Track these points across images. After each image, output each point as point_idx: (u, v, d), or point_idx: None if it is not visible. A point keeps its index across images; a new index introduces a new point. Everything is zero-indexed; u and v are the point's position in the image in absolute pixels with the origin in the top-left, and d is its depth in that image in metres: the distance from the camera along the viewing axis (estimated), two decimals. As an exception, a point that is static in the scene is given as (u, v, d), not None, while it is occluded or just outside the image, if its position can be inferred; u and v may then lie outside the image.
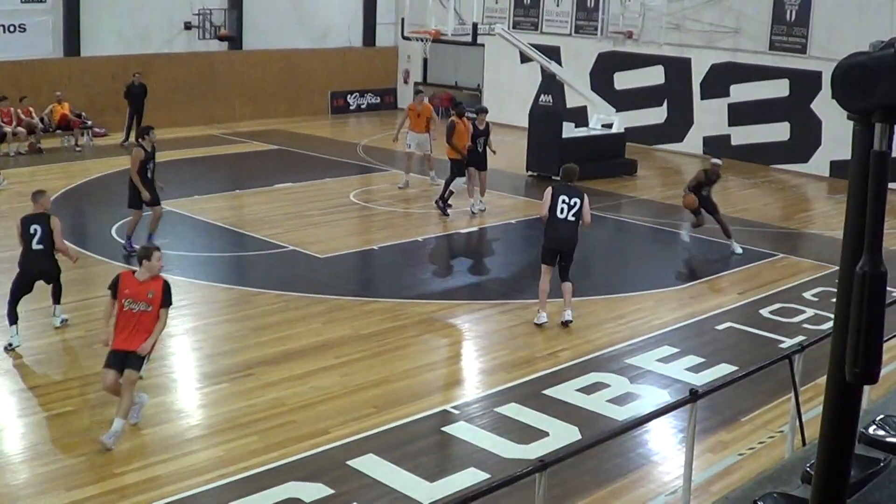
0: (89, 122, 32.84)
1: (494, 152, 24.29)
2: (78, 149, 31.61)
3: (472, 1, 28.99)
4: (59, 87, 32.65)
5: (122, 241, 19.74)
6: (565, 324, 16.08)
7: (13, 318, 14.87)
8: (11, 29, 32.88)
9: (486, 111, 24.16)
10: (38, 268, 15.40)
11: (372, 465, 11.20)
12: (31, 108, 31.17)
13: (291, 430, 12.11)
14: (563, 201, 15.87)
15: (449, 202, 23.44)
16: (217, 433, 12.10)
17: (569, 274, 16.18)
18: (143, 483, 10.77)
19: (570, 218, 15.91)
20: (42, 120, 31.77)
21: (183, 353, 15.01)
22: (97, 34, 34.94)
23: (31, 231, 15.27)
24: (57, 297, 15.88)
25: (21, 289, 15.24)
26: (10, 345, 14.70)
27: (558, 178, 17.04)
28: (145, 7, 35.94)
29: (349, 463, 11.26)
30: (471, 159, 23.43)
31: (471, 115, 23.83)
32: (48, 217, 15.47)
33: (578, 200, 15.92)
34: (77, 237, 20.70)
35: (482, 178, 23.78)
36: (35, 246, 15.29)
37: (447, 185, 23.60)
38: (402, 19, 30.98)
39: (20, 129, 30.69)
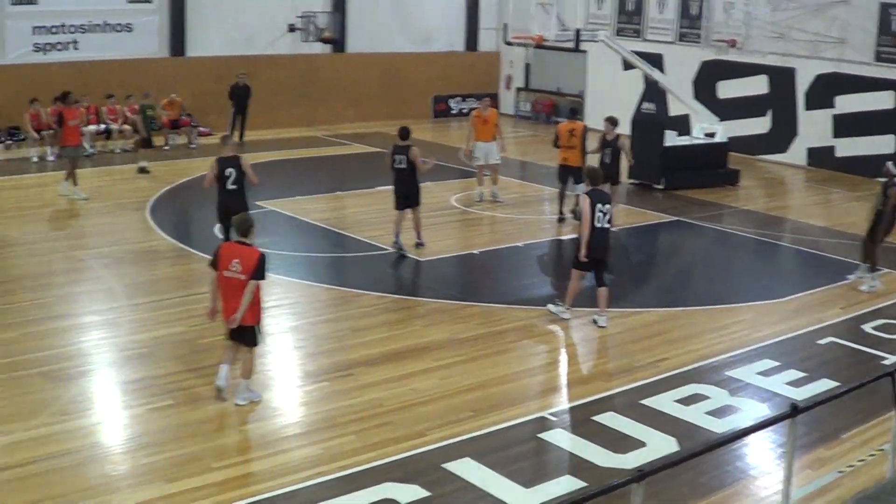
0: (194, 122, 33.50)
1: (631, 162, 24.00)
2: (192, 146, 32.22)
3: (575, 7, 28.98)
4: (164, 86, 33.18)
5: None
6: (600, 327, 16.39)
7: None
8: (118, 28, 33.57)
9: (613, 122, 23.25)
10: (232, 205, 17.34)
11: (468, 469, 11.26)
12: (136, 106, 31.75)
13: (389, 431, 12.22)
14: (600, 209, 16.08)
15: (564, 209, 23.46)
16: (315, 431, 12.26)
17: (605, 279, 16.64)
18: (241, 478, 10.97)
19: (607, 225, 16.21)
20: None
21: (283, 351, 15.20)
22: (202, 35, 35.51)
23: (226, 174, 17.68)
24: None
25: (224, 221, 17.76)
26: None
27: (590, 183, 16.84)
28: (250, 9, 36.45)
29: (445, 466, 11.33)
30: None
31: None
32: (239, 159, 17.72)
33: (610, 206, 16.27)
34: (179, 234, 21.13)
35: (613, 192, 22.94)
36: (230, 186, 17.76)
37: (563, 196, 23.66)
38: (505, 24, 31.07)
39: (126, 126, 31.28)
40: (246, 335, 12.79)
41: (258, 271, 12.52)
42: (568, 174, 23.52)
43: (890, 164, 19.23)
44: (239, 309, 12.45)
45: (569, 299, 16.72)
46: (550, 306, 16.95)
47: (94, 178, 27.01)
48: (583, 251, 16.24)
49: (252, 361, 12.97)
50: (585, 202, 16.07)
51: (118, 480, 10.87)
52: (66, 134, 24.49)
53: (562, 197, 23.77)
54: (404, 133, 20.47)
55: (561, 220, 23.50)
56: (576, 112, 24.63)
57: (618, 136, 23.18)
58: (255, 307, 12.73)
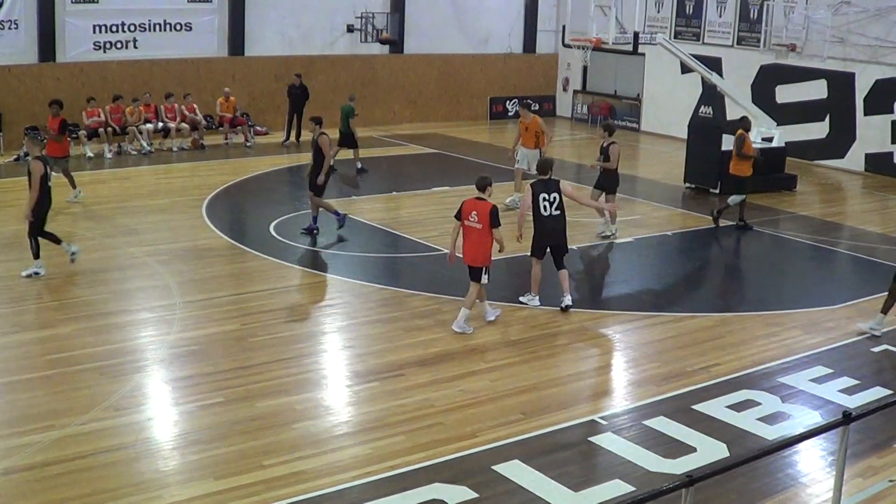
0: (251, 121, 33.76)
1: (613, 167, 22.31)
2: (248, 144, 32.44)
3: (633, 10, 28.87)
4: (222, 85, 33.46)
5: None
6: (565, 308, 17.10)
7: None
8: (178, 27, 33.89)
9: (606, 128, 22.71)
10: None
11: (517, 471, 11.24)
12: (195, 105, 32.02)
13: (438, 432, 12.23)
14: (544, 199, 16.87)
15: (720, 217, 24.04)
16: (365, 431, 12.29)
17: (563, 262, 17.30)
18: (290, 476, 11.01)
19: (555, 212, 16.98)
20: (208, 117, 32.68)
21: (334, 350, 15.28)
22: (261, 35, 35.79)
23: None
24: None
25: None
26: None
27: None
28: (308, 9, 36.68)
29: (494, 468, 11.32)
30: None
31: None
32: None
33: (557, 195, 16.94)
34: (234, 233, 21.25)
35: (608, 201, 22.24)
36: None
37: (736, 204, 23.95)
38: (564, 27, 31.07)
39: (184, 125, 31.54)
40: (476, 273, 15.75)
41: (493, 220, 15.45)
42: (728, 182, 24.33)
43: None
44: (485, 252, 15.69)
45: (534, 287, 17.46)
46: (522, 298, 17.54)
47: (151, 175, 27.30)
48: (517, 232, 16.99)
49: (475, 295, 15.85)
50: (527, 192, 17.05)
51: (168, 476, 10.96)
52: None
53: (742, 204, 24.00)
54: (318, 120, 22.20)
55: (745, 226, 23.90)
56: (742, 120, 24.23)
57: (612, 143, 22.23)
58: (488, 252, 15.71)
